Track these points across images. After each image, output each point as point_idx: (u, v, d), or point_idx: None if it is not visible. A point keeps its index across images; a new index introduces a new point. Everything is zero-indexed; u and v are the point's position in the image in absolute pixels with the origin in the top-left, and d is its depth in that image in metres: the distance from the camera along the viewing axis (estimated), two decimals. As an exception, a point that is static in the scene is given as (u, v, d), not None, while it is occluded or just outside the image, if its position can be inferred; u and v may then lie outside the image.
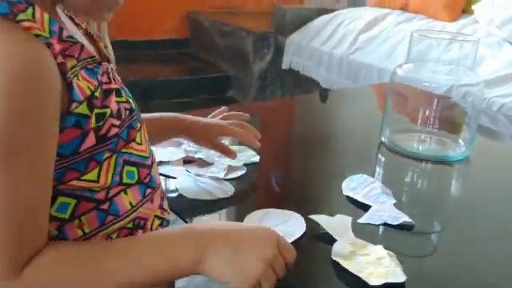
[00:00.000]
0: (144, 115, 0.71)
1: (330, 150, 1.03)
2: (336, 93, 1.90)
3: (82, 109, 0.46)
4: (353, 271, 0.57)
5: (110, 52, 2.76)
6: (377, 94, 1.53)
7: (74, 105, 0.45)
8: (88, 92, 0.47)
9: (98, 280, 0.45)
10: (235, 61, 2.89)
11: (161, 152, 0.82)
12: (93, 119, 0.47)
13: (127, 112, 0.53)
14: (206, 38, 3.19)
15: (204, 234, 0.49)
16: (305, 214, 0.68)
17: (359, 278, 0.56)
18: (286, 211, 0.69)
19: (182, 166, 0.81)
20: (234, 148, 0.82)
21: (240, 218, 0.67)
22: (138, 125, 0.55)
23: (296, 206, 0.71)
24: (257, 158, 0.84)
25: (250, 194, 0.79)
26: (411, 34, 0.94)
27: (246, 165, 0.82)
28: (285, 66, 2.61)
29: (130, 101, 0.55)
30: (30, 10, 0.43)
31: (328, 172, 0.89)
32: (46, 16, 0.44)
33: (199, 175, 0.78)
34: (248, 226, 0.57)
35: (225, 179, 0.77)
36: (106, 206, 0.50)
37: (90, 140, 0.47)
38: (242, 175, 0.80)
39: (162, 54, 3.25)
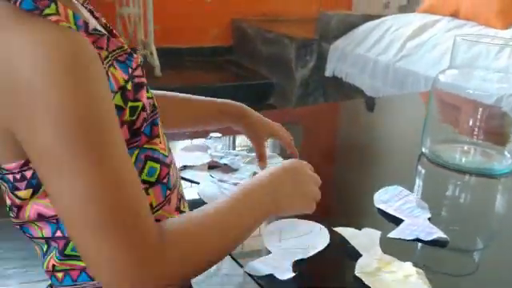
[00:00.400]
0: (195, 97, 0.75)
1: (367, 159, 0.98)
2: (382, 100, 1.84)
3: (117, 99, 0.46)
4: (376, 290, 0.52)
5: (155, 59, 2.82)
6: (424, 102, 1.46)
7: (111, 95, 0.45)
8: (121, 82, 0.46)
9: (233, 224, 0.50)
10: (278, 68, 2.87)
11: (186, 156, 0.80)
12: (127, 112, 0.47)
13: (151, 107, 0.52)
14: (250, 45, 3.19)
15: (272, 184, 0.55)
16: (330, 225, 0.64)
17: (383, 298, 0.51)
18: (309, 222, 0.65)
19: (206, 172, 0.79)
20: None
21: (263, 225, 0.64)
22: (160, 122, 0.54)
23: (322, 217, 0.67)
24: None
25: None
26: (454, 38, 0.88)
27: None
28: (328, 73, 2.56)
29: (153, 96, 0.54)
30: (53, 6, 0.42)
31: (361, 182, 0.85)
32: (70, 11, 0.43)
33: (223, 181, 0.76)
34: (282, 165, 0.59)
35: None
36: None
37: (124, 134, 0.46)
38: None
39: (205, 61, 3.28)
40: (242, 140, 0.96)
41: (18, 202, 0.47)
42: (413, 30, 2.26)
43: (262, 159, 0.78)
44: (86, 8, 0.54)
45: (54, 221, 0.48)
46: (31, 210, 0.47)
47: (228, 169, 0.79)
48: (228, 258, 0.60)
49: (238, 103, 0.78)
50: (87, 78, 0.41)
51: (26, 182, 0.45)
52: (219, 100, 0.77)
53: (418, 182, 0.88)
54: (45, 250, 0.51)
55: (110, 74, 0.45)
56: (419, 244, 0.63)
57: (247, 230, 0.52)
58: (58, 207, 0.43)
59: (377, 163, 0.96)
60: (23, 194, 0.46)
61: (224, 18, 3.41)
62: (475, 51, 0.87)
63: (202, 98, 0.76)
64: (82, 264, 0.49)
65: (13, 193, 0.47)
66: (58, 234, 0.48)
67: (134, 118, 0.47)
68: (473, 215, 0.76)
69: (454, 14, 2.32)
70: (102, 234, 0.41)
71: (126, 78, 0.47)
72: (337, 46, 2.53)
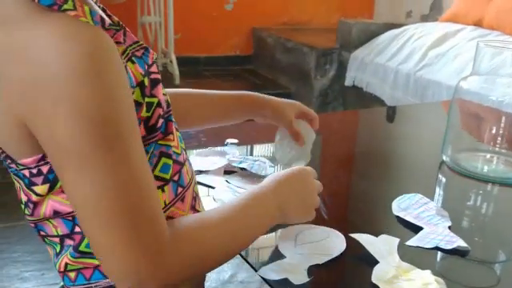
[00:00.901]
0: (214, 92, 0.76)
1: (387, 166, 0.96)
2: (403, 108, 1.81)
3: (137, 95, 0.46)
4: (393, 298, 0.51)
5: (175, 67, 2.84)
6: (446, 111, 1.44)
7: (131, 90, 0.45)
8: (140, 78, 0.47)
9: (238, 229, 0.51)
10: (297, 77, 2.87)
11: (201, 161, 0.80)
12: (144, 108, 0.47)
13: (166, 104, 0.52)
14: (269, 54, 3.20)
15: (276, 192, 0.56)
16: (347, 232, 0.63)
17: (401, 306, 0.50)
18: (325, 228, 0.64)
19: (221, 176, 0.78)
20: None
21: (277, 230, 0.63)
22: (174, 119, 0.54)
23: (338, 223, 0.66)
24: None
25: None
26: (477, 44, 0.86)
27: None
28: (348, 82, 2.55)
29: (166, 93, 0.54)
30: (70, 2, 0.42)
31: (380, 189, 0.83)
32: (86, 7, 0.44)
33: (239, 186, 0.75)
34: (287, 173, 0.59)
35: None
36: None
37: (140, 131, 0.46)
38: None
39: (224, 70, 3.30)
40: (259, 148, 0.95)
41: (34, 198, 0.47)
42: (435, 39, 2.23)
43: (298, 138, 0.78)
44: (99, 7, 0.55)
45: (70, 218, 0.48)
46: (47, 206, 0.47)
47: (245, 174, 0.78)
48: (244, 265, 0.59)
49: (253, 92, 0.78)
50: (110, 72, 0.41)
51: (42, 177, 0.46)
52: (237, 92, 0.77)
53: (438, 191, 0.86)
54: (58, 250, 0.51)
55: (128, 68, 0.45)
56: (439, 253, 0.61)
57: (253, 235, 0.54)
58: (73, 200, 0.43)
59: (396, 171, 0.95)
60: (40, 189, 0.46)
61: (245, 26, 3.42)
62: (499, 58, 0.85)
63: (219, 92, 0.76)
64: (95, 262, 0.49)
65: (29, 188, 0.47)
66: (77, 229, 0.48)
67: (150, 114, 0.47)
68: (494, 226, 0.74)
69: (478, 23, 2.29)
70: (114, 231, 0.41)
71: (143, 73, 0.47)
72: (357, 55, 2.51)
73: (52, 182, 0.46)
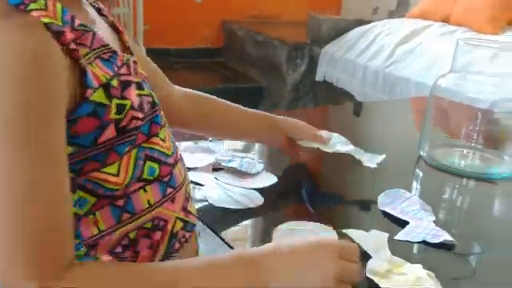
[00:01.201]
0: (238, 106, 0.77)
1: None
2: (371, 105, 1.85)
3: (99, 96, 0.45)
4: (389, 291, 0.53)
5: (145, 59, 2.80)
6: (413, 107, 1.48)
7: (90, 91, 0.44)
8: (104, 80, 0.46)
9: None
10: (268, 71, 2.88)
11: (188, 158, 0.80)
12: (112, 109, 0.46)
13: (149, 106, 0.51)
14: (239, 47, 3.19)
15: (260, 262, 0.46)
16: (337, 228, 0.64)
17: (396, 300, 0.52)
18: (317, 224, 0.65)
19: (210, 173, 0.78)
20: None
21: (269, 228, 0.64)
22: (162, 120, 0.54)
23: (328, 220, 0.68)
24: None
25: (279, 205, 0.76)
26: (457, 41, 0.89)
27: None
28: (319, 77, 2.57)
29: (153, 94, 0.53)
30: (42, 0, 0.43)
31: (363, 185, 0.85)
32: (59, 5, 0.44)
33: (228, 183, 0.75)
34: (301, 243, 0.48)
35: (254, 189, 0.74)
36: (121, 203, 0.48)
37: (110, 132, 0.46)
38: (272, 185, 0.77)
39: (194, 62, 3.27)
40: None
41: None
42: (403, 36, 2.28)
43: (323, 141, 0.79)
44: (93, 6, 0.54)
45: None
46: None
47: (234, 171, 0.79)
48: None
49: (272, 115, 0.79)
50: (34, 78, 0.41)
51: None
52: (262, 113, 0.79)
53: (417, 186, 0.89)
54: None
55: (88, 70, 0.45)
56: (425, 246, 0.63)
57: None
58: None
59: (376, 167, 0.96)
60: None
61: (215, 19, 3.40)
62: (477, 56, 0.88)
63: (244, 108, 0.77)
64: None
65: None
66: None
67: (122, 116, 0.47)
68: (474, 219, 0.77)
69: (445, 20, 2.35)
70: (8, 238, 0.40)
71: (111, 74, 0.47)
72: (327, 51, 2.54)
73: None
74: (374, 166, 0.79)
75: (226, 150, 0.86)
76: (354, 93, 2.36)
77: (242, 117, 0.77)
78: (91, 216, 0.47)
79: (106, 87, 0.46)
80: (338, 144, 0.81)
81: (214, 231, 0.65)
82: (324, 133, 0.81)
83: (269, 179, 0.78)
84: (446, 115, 0.99)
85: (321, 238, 0.51)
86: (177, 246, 0.53)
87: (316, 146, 0.78)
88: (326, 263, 0.46)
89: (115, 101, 0.46)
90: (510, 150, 0.91)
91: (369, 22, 2.60)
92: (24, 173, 0.40)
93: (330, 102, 2.56)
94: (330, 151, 0.79)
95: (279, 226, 0.64)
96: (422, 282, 0.54)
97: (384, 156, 0.82)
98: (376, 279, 0.54)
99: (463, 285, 0.59)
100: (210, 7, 3.35)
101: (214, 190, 0.73)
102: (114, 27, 0.56)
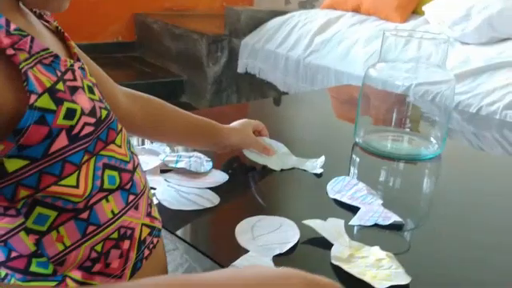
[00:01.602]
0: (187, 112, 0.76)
1: (305, 151, 1.01)
2: (291, 97, 1.91)
3: (44, 102, 0.43)
4: (356, 275, 0.55)
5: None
6: (332, 96, 1.55)
7: (33, 97, 0.42)
8: (48, 84, 0.44)
9: None
10: (188, 65, 2.85)
11: (137, 161, 0.78)
12: (61, 114, 0.44)
13: (103, 111, 0.49)
14: (155, 41, 3.12)
15: None
16: (296, 219, 0.66)
17: (362, 282, 0.55)
18: (277, 218, 0.67)
19: (159, 176, 0.77)
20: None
21: (231, 226, 0.65)
22: (118, 126, 0.52)
23: (285, 212, 0.69)
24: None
25: (235, 203, 0.76)
26: (383, 33, 0.95)
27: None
28: (240, 69, 2.59)
29: (103, 100, 0.51)
30: None
31: (309, 175, 0.88)
32: None
33: (179, 185, 0.74)
34: (252, 273, 0.40)
35: (208, 188, 0.74)
36: (85, 215, 0.46)
37: (62, 140, 0.44)
38: (224, 183, 0.77)
39: (107, 57, 3.15)
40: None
41: None
42: (319, 26, 2.36)
43: (267, 150, 0.85)
44: (34, 12, 0.51)
45: (2, 243, 0.44)
46: None
47: (183, 171, 0.78)
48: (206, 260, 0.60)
49: (216, 123, 0.80)
50: None
51: None
52: (207, 120, 0.79)
53: (355, 171, 0.94)
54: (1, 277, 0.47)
55: (31, 75, 0.43)
56: (378, 228, 0.67)
57: None
58: None
59: (315, 155, 1.00)
60: None
61: (125, 12, 3.30)
62: (403, 47, 0.94)
63: (191, 114, 0.78)
64: (51, 284, 0.46)
65: None
66: (14, 254, 0.45)
67: (73, 122, 0.45)
68: (415, 198, 0.83)
69: (356, 9, 2.47)
70: None
71: (54, 79, 0.45)
72: (247, 42, 2.57)
73: None
74: (319, 171, 0.84)
75: (170, 150, 0.85)
76: (277, 83, 2.41)
77: (190, 122, 0.77)
78: (54, 232, 0.45)
79: (50, 92, 0.43)
80: (282, 157, 0.87)
81: (173, 233, 0.64)
82: (266, 139, 0.87)
83: (220, 177, 0.78)
84: (376, 103, 1.05)
85: (286, 269, 0.41)
86: (146, 252, 0.52)
87: (261, 162, 0.84)
88: None
89: (66, 104, 0.44)
90: (436, 131, 0.99)
91: (284, 12, 2.66)
92: None
93: (252, 93, 2.60)
94: (277, 169, 0.84)
95: (241, 223, 0.65)
96: (383, 262, 0.58)
97: (323, 158, 0.87)
98: (342, 265, 0.57)
99: (415, 258, 0.63)
100: (120, 0, 3.24)
101: (166, 193, 0.72)
102: (58, 33, 0.53)
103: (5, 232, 0.44)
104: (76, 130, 0.45)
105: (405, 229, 0.69)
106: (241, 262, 0.57)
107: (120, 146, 0.51)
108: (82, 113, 0.46)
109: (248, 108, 1.54)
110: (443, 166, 0.96)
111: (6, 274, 0.46)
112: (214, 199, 0.71)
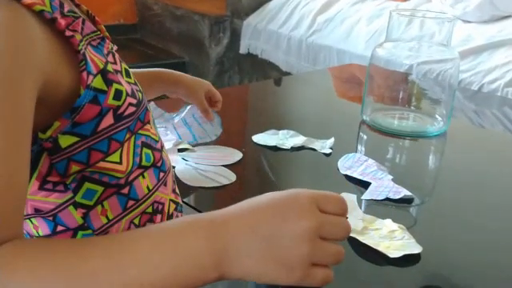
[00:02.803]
0: (135, 70, 0.73)
1: (316, 130, 1.02)
2: (295, 77, 1.92)
3: (98, 82, 0.45)
4: (371, 245, 0.59)
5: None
6: (336, 76, 1.56)
7: (90, 78, 0.45)
8: (100, 65, 0.46)
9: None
10: (190, 46, 2.85)
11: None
12: (110, 94, 0.46)
13: (140, 94, 0.52)
14: (157, 22, 3.11)
15: (215, 225, 0.39)
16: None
17: (376, 252, 0.58)
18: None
19: (177, 155, 0.80)
20: None
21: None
22: (150, 107, 0.55)
23: (299, 188, 0.72)
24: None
25: (252, 179, 0.79)
26: (390, 12, 0.96)
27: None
28: (242, 50, 2.60)
29: (138, 83, 0.54)
30: None
31: (318, 154, 0.90)
32: None
33: (197, 163, 0.77)
34: (269, 196, 0.40)
35: (223, 165, 0.77)
36: (126, 191, 0.50)
37: (109, 119, 0.47)
38: (239, 161, 0.80)
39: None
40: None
41: None
42: (321, 5, 2.36)
43: (208, 114, 0.82)
44: None
45: (51, 218, 0.47)
46: (27, 205, 0.46)
47: (201, 150, 0.81)
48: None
49: (167, 70, 0.82)
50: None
51: None
52: (154, 69, 0.80)
53: (363, 148, 0.96)
54: None
55: (87, 56, 0.45)
56: (389, 202, 0.71)
57: None
58: None
59: (325, 134, 1.01)
60: None
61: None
62: (409, 26, 0.96)
63: (139, 70, 0.76)
64: None
65: None
66: (59, 228, 0.48)
67: (120, 102, 0.47)
68: (423, 173, 0.86)
69: (357, -11, 2.46)
70: None
71: (104, 61, 0.47)
72: (249, 23, 2.57)
73: None
74: (328, 151, 0.86)
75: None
76: (279, 63, 2.42)
77: (144, 78, 0.74)
78: (99, 206, 0.48)
79: (102, 73, 0.46)
80: (291, 139, 0.89)
81: (196, 210, 0.67)
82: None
83: (235, 155, 0.81)
84: (382, 82, 1.08)
85: (294, 190, 0.41)
86: None
87: (272, 143, 0.86)
88: (302, 217, 0.37)
89: (114, 85, 0.46)
90: (441, 109, 1.01)
91: (285, -9, 2.65)
92: None
93: (255, 73, 2.61)
94: (288, 147, 0.86)
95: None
96: (396, 234, 0.61)
97: (333, 139, 0.89)
98: (357, 236, 0.60)
99: (425, 230, 0.67)
100: (121, -18, 3.23)
101: (185, 171, 0.75)
102: (89, 17, 0.55)
103: (55, 206, 0.47)
104: (121, 110, 0.47)
105: (414, 203, 0.72)
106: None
107: (151, 127, 0.54)
108: (127, 94, 0.48)
109: (253, 89, 1.56)
110: (448, 142, 0.99)
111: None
112: (231, 176, 0.74)
